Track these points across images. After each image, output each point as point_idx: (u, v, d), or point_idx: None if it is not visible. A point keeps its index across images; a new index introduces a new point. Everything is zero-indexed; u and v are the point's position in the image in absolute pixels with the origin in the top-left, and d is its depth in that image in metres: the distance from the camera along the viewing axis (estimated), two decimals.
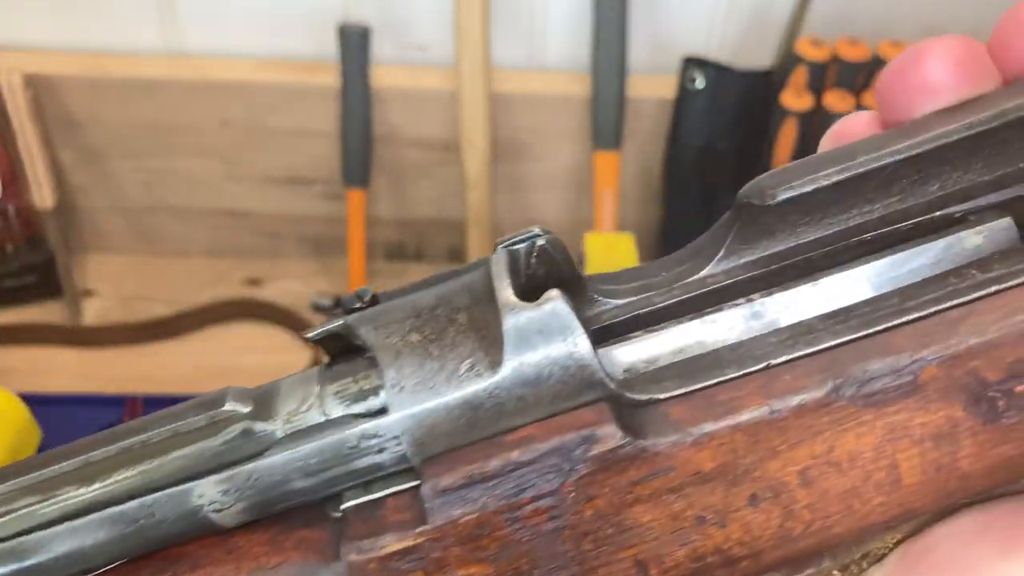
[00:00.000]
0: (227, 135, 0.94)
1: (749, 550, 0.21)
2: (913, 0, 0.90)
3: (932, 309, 0.21)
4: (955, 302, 0.21)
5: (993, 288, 0.21)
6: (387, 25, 0.91)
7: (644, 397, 0.21)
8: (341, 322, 0.23)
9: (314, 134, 0.94)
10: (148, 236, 1.03)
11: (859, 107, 0.84)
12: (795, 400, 0.20)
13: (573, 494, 0.20)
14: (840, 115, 0.88)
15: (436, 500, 0.20)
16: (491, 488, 0.20)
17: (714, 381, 0.21)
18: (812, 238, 0.23)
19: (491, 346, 0.21)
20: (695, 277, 0.24)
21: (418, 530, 0.20)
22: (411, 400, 0.21)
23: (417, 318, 0.23)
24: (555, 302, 0.21)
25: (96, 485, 0.22)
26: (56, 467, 0.22)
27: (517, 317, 0.21)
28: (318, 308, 0.97)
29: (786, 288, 0.23)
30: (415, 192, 0.99)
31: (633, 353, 0.23)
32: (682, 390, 0.21)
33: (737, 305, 0.23)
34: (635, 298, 0.24)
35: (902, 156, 0.22)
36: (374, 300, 0.24)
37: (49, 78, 0.89)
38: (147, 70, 0.90)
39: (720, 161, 0.92)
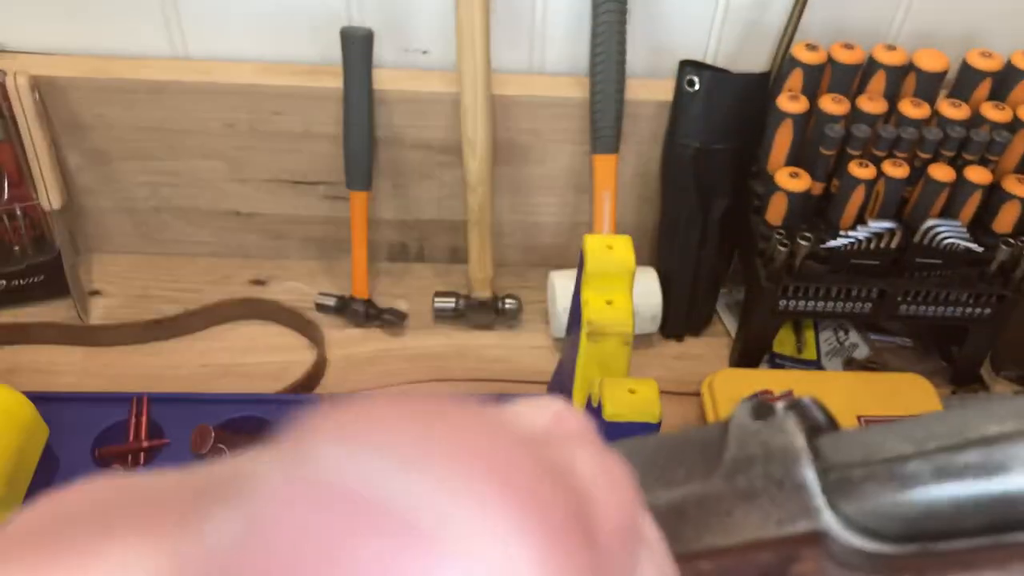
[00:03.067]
0: (232, 137, 0.94)
1: None
2: (907, 5, 0.91)
3: None
4: None
5: None
6: (390, 29, 0.91)
7: (864, 545, 0.19)
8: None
9: (318, 137, 0.94)
10: (154, 237, 1.03)
11: (853, 108, 0.85)
12: None
13: None
14: (835, 116, 0.88)
15: None
16: None
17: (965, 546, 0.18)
18: None
19: (714, 458, 0.20)
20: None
21: None
22: None
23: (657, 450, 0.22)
24: (785, 415, 0.20)
25: None
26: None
27: (743, 424, 0.20)
28: (322, 308, 0.98)
29: None
30: (417, 194, 1.00)
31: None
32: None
33: None
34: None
35: None
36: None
37: (55, 81, 0.90)
38: (153, 73, 0.91)
39: (716, 162, 0.92)
